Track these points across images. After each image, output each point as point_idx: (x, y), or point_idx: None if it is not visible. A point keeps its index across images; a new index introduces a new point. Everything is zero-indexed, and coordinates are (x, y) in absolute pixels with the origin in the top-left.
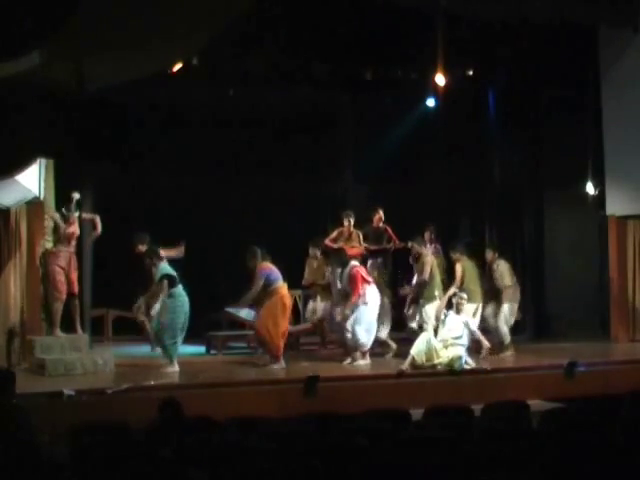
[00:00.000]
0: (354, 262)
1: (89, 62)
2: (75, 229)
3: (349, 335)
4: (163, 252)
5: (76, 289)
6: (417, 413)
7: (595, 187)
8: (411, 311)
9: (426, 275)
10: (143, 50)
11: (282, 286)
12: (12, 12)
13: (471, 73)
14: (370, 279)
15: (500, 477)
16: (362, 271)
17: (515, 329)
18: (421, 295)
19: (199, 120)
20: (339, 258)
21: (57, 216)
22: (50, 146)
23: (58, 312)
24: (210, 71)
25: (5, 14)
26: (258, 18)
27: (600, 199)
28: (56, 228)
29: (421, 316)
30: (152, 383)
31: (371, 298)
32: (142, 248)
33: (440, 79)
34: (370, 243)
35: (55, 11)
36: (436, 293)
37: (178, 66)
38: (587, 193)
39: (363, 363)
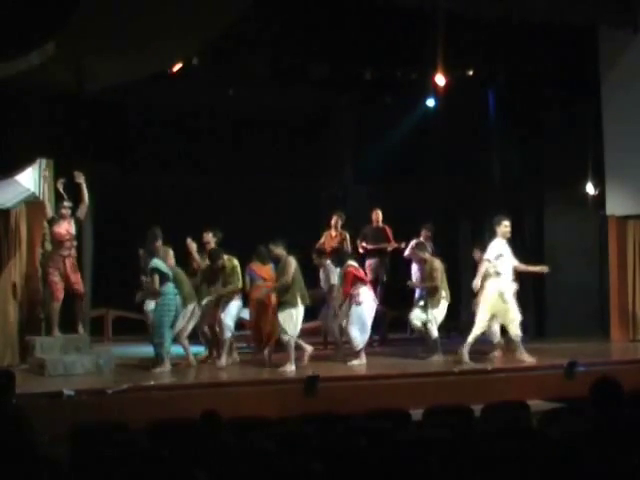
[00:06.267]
0: (351, 262)
1: (90, 62)
2: (62, 229)
3: (343, 335)
4: None
5: (80, 289)
6: (417, 413)
7: (595, 187)
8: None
9: (438, 282)
10: (143, 50)
11: None
12: (13, 12)
13: (471, 73)
14: (366, 279)
15: (500, 477)
16: (357, 271)
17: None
18: (430, 299)
19: (199, 120)
20: (337, 257)
21: (48, 215)
22: (50, 146)
23: (55, 312)
24: (210, 71)
25: (6, 14)
26: (258, 18)
27: (600, 199)
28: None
29: (428, 318)
30: (152, 383)
31: (365, 298)
32: (158, 244)
33: (440, 79)
34: (369, 243)
35: (56, 11)
36: (443, 295)
37: (178, 66)
38: (587, 193)
39: (357, 363)
